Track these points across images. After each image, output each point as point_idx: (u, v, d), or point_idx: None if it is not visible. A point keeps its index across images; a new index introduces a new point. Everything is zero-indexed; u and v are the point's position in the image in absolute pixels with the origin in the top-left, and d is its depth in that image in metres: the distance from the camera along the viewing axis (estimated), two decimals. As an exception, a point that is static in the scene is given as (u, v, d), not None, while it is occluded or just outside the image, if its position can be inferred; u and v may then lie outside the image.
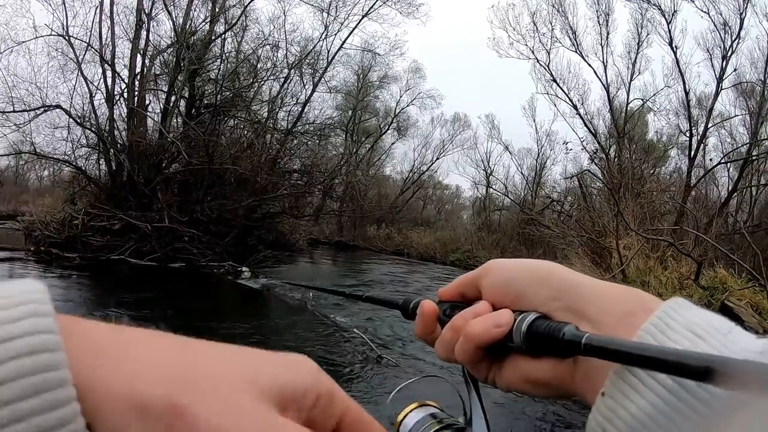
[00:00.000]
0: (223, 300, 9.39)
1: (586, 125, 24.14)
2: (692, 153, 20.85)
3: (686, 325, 0.43)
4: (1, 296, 0.27)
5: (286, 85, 21.27)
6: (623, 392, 0.43)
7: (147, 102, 16.22)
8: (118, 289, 9.21)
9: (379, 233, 33.06)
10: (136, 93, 15.43)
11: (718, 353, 0.40)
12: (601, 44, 23.41)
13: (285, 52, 20.63)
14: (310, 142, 22.25)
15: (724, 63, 20.50)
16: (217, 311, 7.89)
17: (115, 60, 15.47)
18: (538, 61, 24.17)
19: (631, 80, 23.77)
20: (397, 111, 37.66)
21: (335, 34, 23.70)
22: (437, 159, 39.94)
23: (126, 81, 15.45)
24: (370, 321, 9.00)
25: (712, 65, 20.87)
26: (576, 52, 23.39)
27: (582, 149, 24.96)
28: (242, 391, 0.33)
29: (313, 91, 23.21)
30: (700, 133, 21.17)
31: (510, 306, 0.54)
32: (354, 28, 24.20)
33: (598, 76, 23.62)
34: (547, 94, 25.11)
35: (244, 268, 12.53)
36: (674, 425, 0.39)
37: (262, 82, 19.84)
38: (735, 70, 20.53)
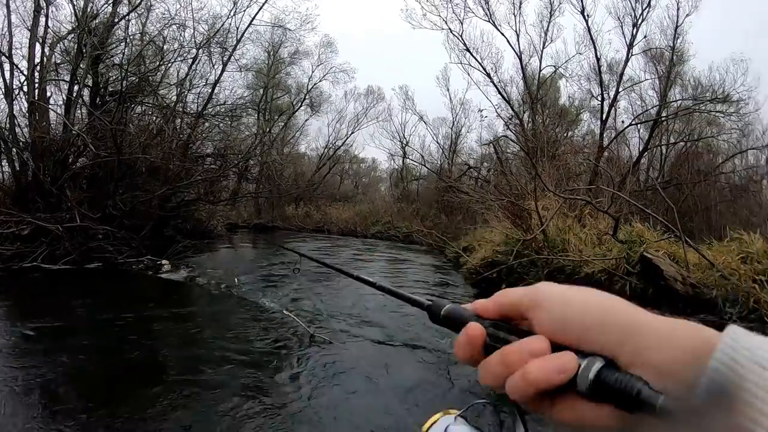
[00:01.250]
0: (145, 296, 8.99)
1: (500, 93, 24.63)
2: (604, 116, 21.92)
3: (753, 359, 0.40)
4: None
5: (194, 66, 20.40)
6: None
7: (48, 94, 15.01)
8: (32, 299, 8.65)
9: (298, 212, 32.85)
10: (37, 85, 14.37)
11: None
12: (513, 13, 23.90)
13: (192, 31, 19.59)
14: (222, 124, 21.42)
15: (635, 30, 21.58)
16: (140, 309, 7.52)
17: (13, 51, 14.29)
18: (451, 31, 24.31)
19: (543, 48, 24.46)
20: (310, 87, 37.02)
21: (244, 11, 22.79)
22: (352, 133, 39.87)
23: (25, 73, 14.42)
24: (299, 300, 8.85)
25: (623, 32, 21.95)
26: (489, 21, 23.70)
27: (497, 116, 25.84)
28: None
29: (223, 70, 22.39)
30: (611, 96, 22.21)
31: (570, 344, 0.51)
32: (264, 3, 23.25)
33: (511, 45, 24.14)
34: (461, 63, 25.38)
35: (163, 261, 12.11)
36: None
37: (170, 65, 18.72)
38: (645, 36, 21.64)
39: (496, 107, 25.37)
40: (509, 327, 0.57)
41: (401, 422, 4.28)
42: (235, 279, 9.85)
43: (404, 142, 37.24)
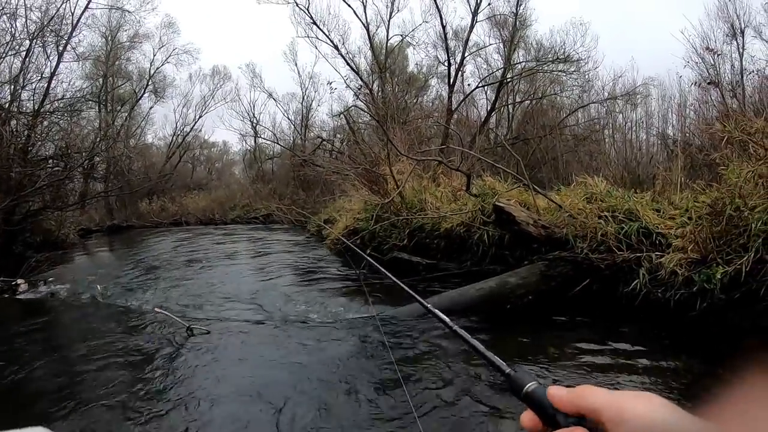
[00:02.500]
0: (5, 320, 7.91)
1: (348, 64, 24.74)
2: (451, 80, 22.47)
3: None
4: None
5: (28, 59, 18.21)
6: None
7: None
8: None
9: (153, 207, 30.93)
10: None
11: None
12: (360, -16, 23.78)
13: (25, 20, 17.75)
14: (62, 121, 19.39)
15: None
16: (1, 334, 6.62)
17: None
18: (297, 4, 23.95)
19: (390, 18, 24.73)
20: (152, 72, 34.49)
21: None
22: (200, 117, 37.71)
23: None
24: (170, 296, 8.31)
25: (468, 0, 22.47)
26: None
27: (346, 87, 25.82)
28: None
29: (59, 61, 20.38)
30: (458, 62, 22.83)
31: None
32: None
33: (357, 16, 24.34)
34: (308, 37, 25.22)
35: (19, 281, 10.78)
36: None
37: (1, 60, 16.97)
38: (489, 3, 22.42)
39: (346, 78, 25.51)
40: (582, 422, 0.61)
41: (281, 400, 4.03)
42: (98, 286, 9.03)
43: (255, 121, 36.15)
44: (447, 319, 0.94)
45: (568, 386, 0.66)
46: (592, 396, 0.61)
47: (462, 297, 6.27)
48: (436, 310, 0.99)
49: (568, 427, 0.61)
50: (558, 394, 0.64)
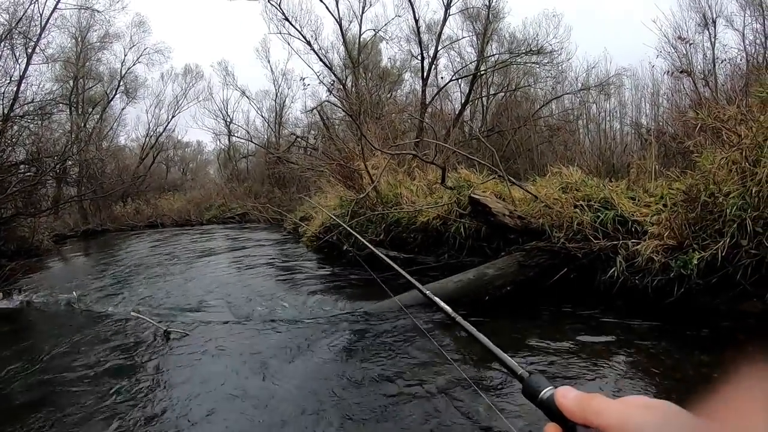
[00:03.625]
0: None
1: (321, 60, 24.59)
2: (425, 74, 22.54)
3: None
4: None
5: None
6: None
7: None
8: None
9: (127, 209, 30.46)
10: None
11: None
12: (332, -20, 23.74)
13: None
14: (32, 125, 19.00)
15: None
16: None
17: None
18: (269, 1, 23.78)
19: (363, 13, 24.72)
20: (124, 72, 33.96)
21: None
22: (173, 117, 37.25)
23: None
24: (146, 299, 8.14)
25: None
26: None
27: (319, 83, 25.47)
28: None
29: (28, 64, 20.03)
30: (431, 55, 22.93)
31: None
32: None
33: (330, 11, 24.25)
34: (281, 33, 25.04)
35: None
36: None
37: None
38: None
39: (319, 74, 25.29)
40: None
41: (263, 401, 3.97)
42: (74, 293, 8.84)
43: (228, 120, 35.98)
44: (450, 310, 0.96)
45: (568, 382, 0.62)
46: (601, 412, 0.59)
47: (441, 290, 6.22)
48: (443, 303, 0.99)
49: None
50: (567, 403, 0.63)
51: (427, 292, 1.03)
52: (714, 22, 16.14)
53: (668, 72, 14.30)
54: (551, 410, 0.63)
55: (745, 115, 5.55)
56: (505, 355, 0.75)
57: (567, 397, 0.63)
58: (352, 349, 5.13)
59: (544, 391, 0.65)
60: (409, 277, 1.04)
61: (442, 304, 0.98)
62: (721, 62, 14.73)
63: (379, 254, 1.21)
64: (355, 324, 5.84)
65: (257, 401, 3.94)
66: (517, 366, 0.72)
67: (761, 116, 5.33)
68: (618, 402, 0.59)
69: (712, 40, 15.93)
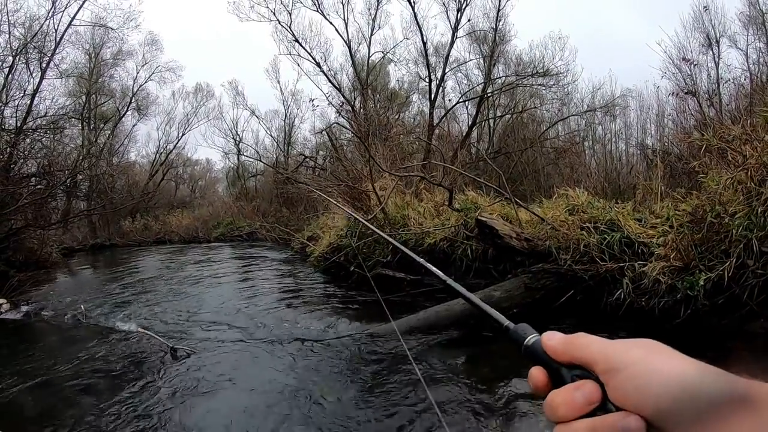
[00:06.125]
0: None
1: (330, 81, 24.77)
2: (432, 96, 22.67)
3: None
4: None
5: (10, 75, 18.11)
6: None
7: None
8: None
9: (136, 225, 30.59)
10: None
11: None
12: (342, 2, 24.09)
13: (8, 36, 17.59)
14: (44, 139, 19.13)
15: (459, 15, 22.52)
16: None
17: None
18: (279, 22, 24.07)
19: (371, 35, 24.93)
20: (135, 89, 34.17)
21: (63, 10, 20.92)
22: (183, 135, 37.47)
23: None
24: (154, 316, 8.18)
25: (448, 17, 22.84)
26: (317, 11, 23.92)
27: (328, 104, 25.80)
28: None
29: (42, 78, 20.10)
30: (439, 77, 23.02)
31: (645, 416, 0.54)
32: (84, 2, 21.58)
33: (339, 33, 24.48)
34: (290, 54, 25.23)
35: (0, 301, 10.68)
36: None
37: None
38: (469, 20, 22.63)
39: (327, 95, 25.51)
40: (582, 371, 0.61)
41: (270, 422, 3.98)
42: (81, 306, 8.88)
43: (238, 138, 36.09)
44: (442, 275, 1.02)
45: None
46: (585, 347, 0.61)
47: (447, 312, 6.22)
48: (435, 268, 1.05)
49: (574, 382, 0.60)
50: (552, 344, 0.64)
51: (434, 269, 1.06)
52: (717, 41, 16.22)
53: (673, 93, 14.38)
54: (537, 355, 0.65)
55: (750, 135, 5.57)
56: (491, 308, 0.77)
57: (552, 339, 0.65)
58: (355, 371, 5.13)
59: (530, 337, 0.67)
60: (429, 265, 1.07)
61: (434, 269, 1.05)
62: (725, 82, 14.77)
63: (406, 251, 1.23)
64: (362, 346, 5.84)
65: (263, 424, 3.94)
66: (503, 318, 0.73)
67: (766, 136, 5.35)
68: (601, 340, 0.61)
69: (716, 59, 16.00)
